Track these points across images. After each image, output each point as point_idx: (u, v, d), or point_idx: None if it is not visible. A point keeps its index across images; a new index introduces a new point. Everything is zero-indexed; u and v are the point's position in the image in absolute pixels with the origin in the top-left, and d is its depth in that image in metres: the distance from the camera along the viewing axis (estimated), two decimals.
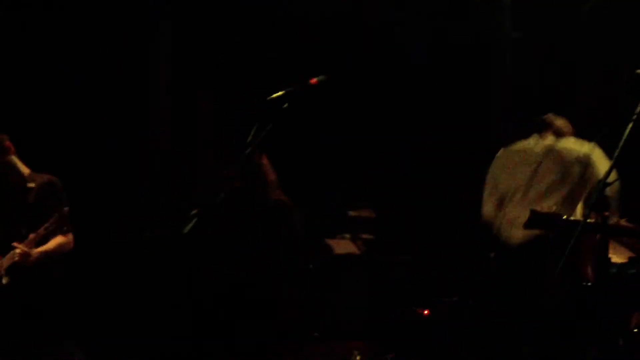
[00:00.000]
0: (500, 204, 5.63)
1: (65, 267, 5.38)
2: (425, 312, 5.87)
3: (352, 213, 7.20)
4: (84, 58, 7.07)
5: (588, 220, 3.95)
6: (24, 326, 5.14)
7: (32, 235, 5.17)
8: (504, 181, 5.69)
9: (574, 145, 5.57)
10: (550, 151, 5.58)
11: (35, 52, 6.93)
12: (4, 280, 5.23)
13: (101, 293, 6.61)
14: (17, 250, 5.13)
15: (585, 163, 5.45)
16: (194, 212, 4.42)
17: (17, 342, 5.08)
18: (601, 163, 5.39)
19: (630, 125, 4.14)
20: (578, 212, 5.37)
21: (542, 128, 5.72)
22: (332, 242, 6.84)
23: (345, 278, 6.51)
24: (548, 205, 5.19)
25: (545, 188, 5.51)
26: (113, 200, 6.97)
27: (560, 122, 5.74)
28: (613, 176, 4.86)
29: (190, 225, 4.38)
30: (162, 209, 7.05)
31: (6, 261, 5.23)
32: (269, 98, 4.51)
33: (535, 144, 5.68)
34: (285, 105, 4.46)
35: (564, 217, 4.58)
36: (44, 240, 5.21)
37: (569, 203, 5.42)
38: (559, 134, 5.68)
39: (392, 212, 7.27)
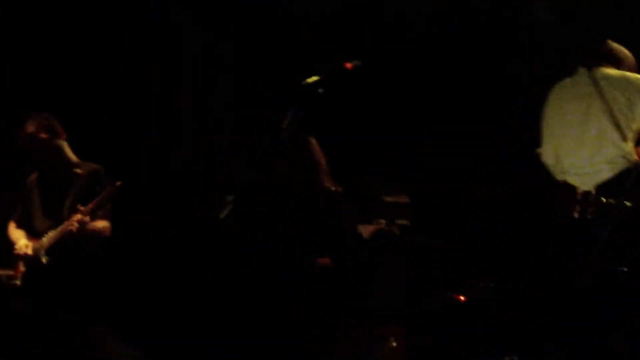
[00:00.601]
0: (557, 151, 5.35)
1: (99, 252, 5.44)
2: (462, 297, 5.84)
3: (387, 199, 7.17)
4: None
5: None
6: (62, 307, 5.19)
7: (85, 207, 5.22)
8: (557, 124, 5.40)
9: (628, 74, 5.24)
10: (604, 79, 5.26)
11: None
12: (44, 260, 5.28)
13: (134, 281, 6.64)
14: (76, 218, 5.18)
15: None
16: (230, 197, 4.42)
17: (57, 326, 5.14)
18: None
19: None
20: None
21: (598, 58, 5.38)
22: (367, 228, 6.82)
23: (381, 263, 6.49)
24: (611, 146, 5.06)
25: (601, 127, 5.19)
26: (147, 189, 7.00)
27: (621, 51, 5.41)
28: None
29: (227, 210, 4.39)
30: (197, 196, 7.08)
31: (48, 241, 5.29)
32: (304, 83, 4.51)
33: (584, 74, 5.35)
34: (320, 90, 4.46)
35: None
36: (93, 215, 5.28)
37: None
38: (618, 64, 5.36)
39: (427, 198, 7.24)
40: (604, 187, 5.04)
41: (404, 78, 7.39)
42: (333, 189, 5.45)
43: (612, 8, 6.79)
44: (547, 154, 5.42)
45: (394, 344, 5.09)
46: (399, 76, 7.38)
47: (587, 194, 4.95)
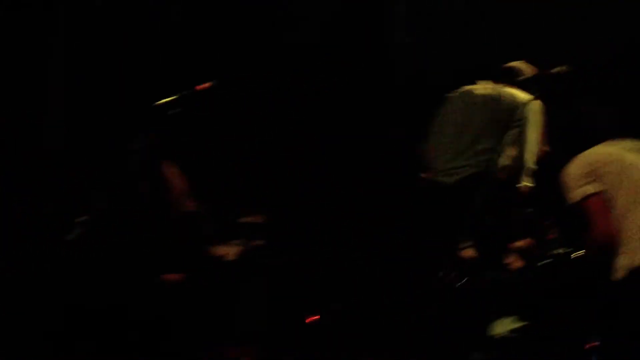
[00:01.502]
0: (438, 148, 5.82)
1: None
2: (314, 318, 5.89)
3: (243, 219, 7.16)
4: None
5: None
6: None
7: None
8: (445, 125, 5.91)
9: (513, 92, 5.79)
10: (487, 96, 5.83)
11: None
12: None
13: None
14: None
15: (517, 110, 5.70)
16: (81, 219, 4.35)
17: None
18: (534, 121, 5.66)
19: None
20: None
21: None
22: (222, 249, 6.79)
23: (237, 284, 6.48)
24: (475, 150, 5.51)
25: (475, 133, 5.75)
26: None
27: (522, 65, 5.96)
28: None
29: (77, 232, 4.30)
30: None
31: None
32: (156, 104, 4.48)
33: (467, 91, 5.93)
34: (173, 111, 4.44)
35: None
36: None
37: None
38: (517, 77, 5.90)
39: (282, 217, 7.27)
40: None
41: (264, 101, 7.43)
42: (190, 209, 5.42)
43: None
44: (427, 155, 5.92)
45: None
46: (259, 98, 7.41)
47: None
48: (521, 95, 5.76)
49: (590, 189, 4.43)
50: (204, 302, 5.32)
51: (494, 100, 5.77)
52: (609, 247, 4.34)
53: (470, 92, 5.91)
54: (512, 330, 2.44)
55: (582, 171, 4.48)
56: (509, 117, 5.67)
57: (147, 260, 5.20)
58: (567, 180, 4.52)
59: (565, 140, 4.71)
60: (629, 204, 4.41)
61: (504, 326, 4.07)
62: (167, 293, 5.15)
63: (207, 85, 4.48)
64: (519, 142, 5.63)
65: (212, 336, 5.50)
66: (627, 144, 4.63)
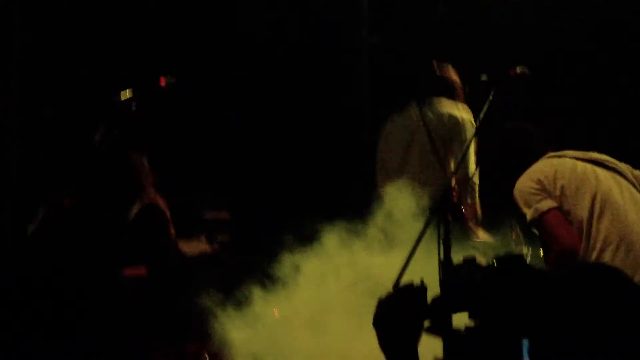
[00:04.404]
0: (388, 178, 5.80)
1: None
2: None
3: (208, 214, 7.16)
4: None
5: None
6: None
7: None
8: (387, 157, 6.08)
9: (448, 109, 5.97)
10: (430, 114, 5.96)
11: None
12: None
13: None
14: None
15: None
16: (41, 212, 4.33)
17: None
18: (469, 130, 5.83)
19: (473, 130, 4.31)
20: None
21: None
22: (186, 244, 6.78)
23: (199, 279, 6.47)
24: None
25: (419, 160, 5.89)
26: None
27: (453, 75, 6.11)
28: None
29: (36, 225, 4.29)
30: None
31: None
32: (116, 99, 4.47)
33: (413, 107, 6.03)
34: (134, 105, 4.44)
35: None
36: None
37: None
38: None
39: (248, 214, 7.27)
40: None
41: (233, 92, 7.43)
42: (149, 202, 5.41)
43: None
44: (379, 173, 6.09)
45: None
46: (228, 90, 7.41)
47: None
48: (459, 113, 5.95)
49: (544, 205, 4.46)
50: (164, 297, 5.31)
51: (438, 120, 5.93)
52: (574, 257, 4.36)
53: (411, 112, 6.05)
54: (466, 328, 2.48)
55: (533, 188, 4.51)
56: (451, 136, 5.88)
57: (107, 253, 5.18)
58: (519, 198, 4.53)
59: (504, 155, 4.77)
60: (592, 214, 4.43)
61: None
62: (127, 287, 5.13)
63: (168, 78, 4.48)
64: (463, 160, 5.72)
65: (171, 332, 5.49)
66: (570, 153, 4.65)
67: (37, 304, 5.03)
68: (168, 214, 5.49)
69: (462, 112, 5.98)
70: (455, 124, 5.90)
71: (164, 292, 5.35)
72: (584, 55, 6.96)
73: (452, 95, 6.06)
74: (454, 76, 6.13)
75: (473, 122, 5.85)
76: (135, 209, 5.38)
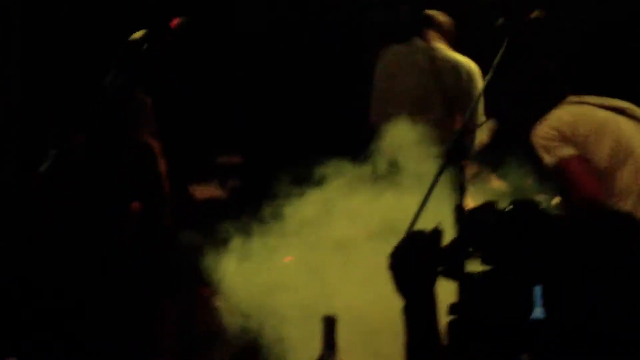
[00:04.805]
0: (386, 110, 5.71)
1: None
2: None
3: (220, 159, 7.14)
4: None
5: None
6: None
7: None
8: (388, 87, 5.91)
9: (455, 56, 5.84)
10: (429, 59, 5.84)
11: None
12: None
13: None
14: None
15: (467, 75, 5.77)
16: (53, 151, 4.31)
17: None
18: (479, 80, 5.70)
19: (488, 76, 4.23)
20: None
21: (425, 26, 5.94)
22: (197, 189, 6.77)
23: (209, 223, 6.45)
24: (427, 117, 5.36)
25: (424, 97, 5.75)
26: None
27: (443, 19, 5.98)
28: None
29: (47, 164, 4.27)
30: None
31: None
32: (128, 39, 4.43)
33: (415, 49, 5.89)
34: (145, 47, 4.39)
35: None
36: None
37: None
38: (442, 33, 5.92)
39: (260, 158, 7.24)
40: None
41: (240, 42, 7.38)
42: (145, 142, 5.31)
43: None
44: (375, 113, 5.87)
45: (217, 304, 5.07)
46: (236, 38, 7.36)
47: None
48: (463, 60, 5.84)
49: (564, 152, 4.34)
50: (166, 237, 5.27)
51: (438, 67, 5.81)
52: (595, 205, 4.25)
53: (404, 52, 5.92)
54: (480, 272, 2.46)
55: (553, 135, 4.37)
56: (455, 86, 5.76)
57: (108, 191, 5.13)
58: (538, 145, 4.40)
59: (521, 97, 4.62)
60: (613, 163, 4.33)
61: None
62: (132, 221, 5.09)
63: (179, 20, 4.43)
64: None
65: (185, 277, 5.49)
66: (591, 99, 4.53)
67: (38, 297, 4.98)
68: (160, 157, 5.39)
69: (467, 60, 5.88)
70: (463, 70, 5.80)
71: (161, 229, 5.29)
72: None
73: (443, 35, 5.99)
74: (447, 22, 6.03)
75: (479, 70, 5.76)
76: (125, 149, 5.33)
